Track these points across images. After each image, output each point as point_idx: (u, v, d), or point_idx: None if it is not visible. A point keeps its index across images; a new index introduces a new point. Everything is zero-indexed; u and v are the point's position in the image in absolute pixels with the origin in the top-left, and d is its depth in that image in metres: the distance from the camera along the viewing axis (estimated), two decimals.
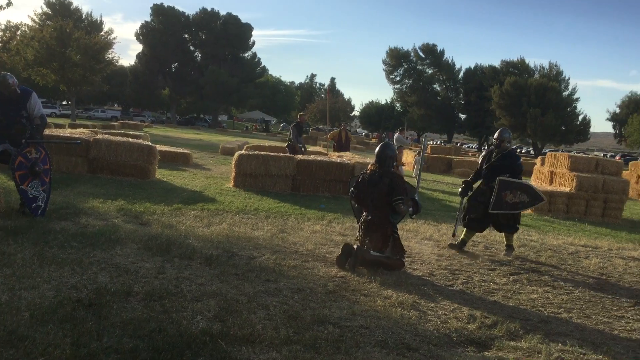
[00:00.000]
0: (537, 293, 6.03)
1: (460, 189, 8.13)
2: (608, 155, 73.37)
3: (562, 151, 39.94)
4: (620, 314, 5.52)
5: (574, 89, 66.61)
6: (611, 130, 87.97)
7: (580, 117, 62.52)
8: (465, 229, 7.94)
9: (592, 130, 65.08)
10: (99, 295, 4.39)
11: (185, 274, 5.31)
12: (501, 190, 7.52)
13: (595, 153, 73.68)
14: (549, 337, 4.59)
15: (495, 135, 8.12)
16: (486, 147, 68.12)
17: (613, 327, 5.07)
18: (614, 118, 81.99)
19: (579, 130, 61.95)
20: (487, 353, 4.15)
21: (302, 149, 15.95)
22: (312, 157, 13.40)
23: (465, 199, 8.04)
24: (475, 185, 8.20)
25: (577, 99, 64.42)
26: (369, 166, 6.86)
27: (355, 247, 6.19)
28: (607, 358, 4.27)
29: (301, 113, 18.44)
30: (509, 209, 7.57)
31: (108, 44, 48.29)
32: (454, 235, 8.15)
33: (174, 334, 3.81)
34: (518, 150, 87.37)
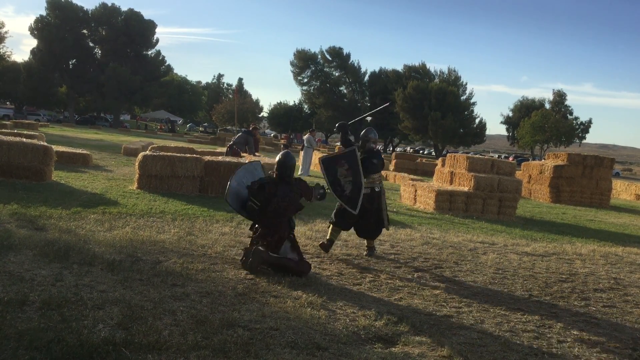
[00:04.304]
0: (440, 289, 6.28)
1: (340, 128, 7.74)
2: (502, 157, 78.02)
3: (462, 152, 41.87)
4: (516, 307, 5.85)
5: (471, 93, 70.51)
6: (505, 133, 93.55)
7: (477, 120, 66.15)
8: (331, 226, 7.54)
9: (487, 132, 68.92)
10: None
11: (85, 280, 5.06)
12: (331, 167, 7.33)
13: (491, 154, 78.10)
14: (451, 331, 4.80)
15: (362, 134, 8.01)
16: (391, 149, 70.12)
17: (510, 319, 5.37)
18: (507, 121, 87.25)
19: (476, 133, 65.50)
20: (394, 349, 4.27)
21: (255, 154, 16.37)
22: (220, 158, 13.23)
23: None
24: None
25: (474, 103, 68.22)
26: (272, 173, 6.79)
27: (253, 249, 6.16)
28: (504, 349, 4.51)
29: (254, 126, 18.46)
30: (342, 191, 7.23)
31: None
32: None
33: (74, 344, 3.61)
34: (420, 151, 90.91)
